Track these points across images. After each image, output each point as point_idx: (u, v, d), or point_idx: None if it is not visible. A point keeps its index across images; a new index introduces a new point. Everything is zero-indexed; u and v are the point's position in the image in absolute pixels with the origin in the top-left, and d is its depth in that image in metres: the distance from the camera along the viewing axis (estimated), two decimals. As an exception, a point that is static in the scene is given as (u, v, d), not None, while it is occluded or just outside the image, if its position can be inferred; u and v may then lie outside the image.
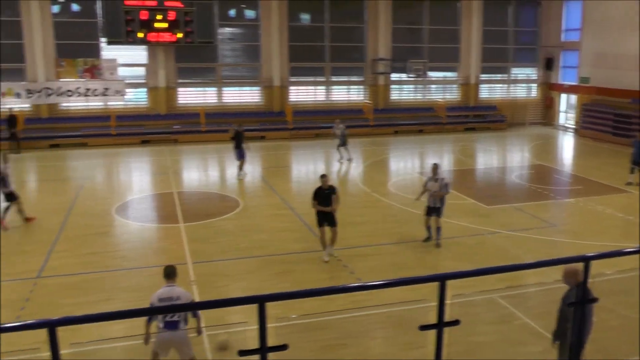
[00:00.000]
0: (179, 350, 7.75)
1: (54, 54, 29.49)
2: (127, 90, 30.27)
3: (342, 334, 9.39)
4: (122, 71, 30.26)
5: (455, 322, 4.15)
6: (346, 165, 23.62)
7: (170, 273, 7.91)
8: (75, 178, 22.59)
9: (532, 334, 9.47)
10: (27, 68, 29.38)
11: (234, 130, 21.88)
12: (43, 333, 3.92)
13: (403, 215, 16.46)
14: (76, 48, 29.84)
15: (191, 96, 32.05)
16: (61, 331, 3.77)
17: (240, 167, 21.50)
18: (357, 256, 13.09)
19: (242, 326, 8.52)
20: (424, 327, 4.13)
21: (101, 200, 18.63)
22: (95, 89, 29.60)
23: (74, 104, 30.15)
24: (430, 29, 34.67)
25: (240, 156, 21.44)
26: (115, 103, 30.41)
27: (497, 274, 4.79)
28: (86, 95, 29.66)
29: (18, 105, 28.93)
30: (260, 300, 3.91)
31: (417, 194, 14.69)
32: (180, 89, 31.68)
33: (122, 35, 28.91)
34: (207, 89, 32.37)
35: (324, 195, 12.80)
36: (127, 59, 30.52)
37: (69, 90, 29.44)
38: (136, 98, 31.56)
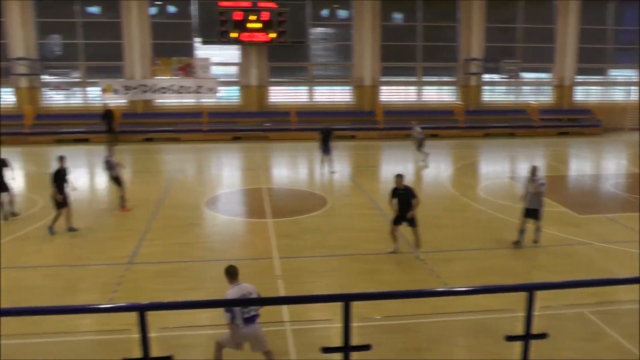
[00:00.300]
0: (254, 343, 7.81)
1: (150, 53, 30.79)
2: (220, 88, 31.12)
3: (424, 338, 9.20)
4: (215, 70, 31.12)
5: (543, 335, 3.96)
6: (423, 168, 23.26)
7: (234, 272, 7.96)
8: (167, 171, 23.44)
9: (623, 353, 8.97)
10: (125, 66, 30.89)
11: (322, 129, 22.14)
12: (133, 316, 4.06)
13: (491, 220, 16.01)
14: (171, 47, 31.01)
15: (282, 95, 32.49)
16: (149, 315, 3.90)
17: (329, 164, 21.71)
18: (443, 260, 12.82)
19: (326, 323, 8.59)
20: (511, 338, 3.98)
21: (192, 193, 19.18)
22: (189, 87, 30.58)
23: (168, 101, 31.39)
24: (524, 28, 33.57)
25: (327, 153, 21.70)
26: (207, 100, 31.31)
27: (588, 287, 4.57)
28: (179, 93, 30.71)
29: (115, 100, 30.44)
30: (346, 299, 3.88)
31: (520, 196, 14.31)
32: (272, 88, 32.18)
33: (216, 36, 29.73)
34: (298, 87, 32.73)
35: (399, 195, 12.84)
36: (220, 58, 31.36)
37: (163, 88, 30.60)
38: (228, 96, 32.34)
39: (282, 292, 10.88)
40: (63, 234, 14.62)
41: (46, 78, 31.09)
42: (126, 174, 18.65)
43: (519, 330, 3.87)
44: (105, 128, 28.89)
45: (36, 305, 10.34)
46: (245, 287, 7.78)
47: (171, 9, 31.50)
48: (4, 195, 15.96)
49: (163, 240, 14.14)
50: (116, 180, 17.16)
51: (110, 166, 17.17)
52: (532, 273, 12.23)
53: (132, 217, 16.28)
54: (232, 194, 19.48)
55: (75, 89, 31.52)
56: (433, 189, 20.32)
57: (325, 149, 21.79)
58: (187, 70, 30.68)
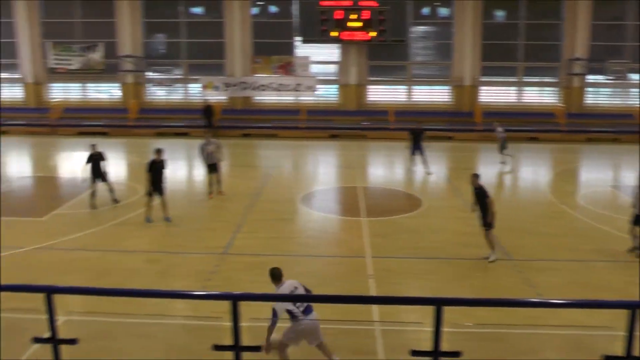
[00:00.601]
0: (311, 336, 7.96)
1: (251, 52, 31.55)
2: (319, 86, 31.35)
3: (515, 349, 8.86)
4: (314, 68, 31.42)
5: (644, 358, 3.69)
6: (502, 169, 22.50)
7: (278, 274, 8.27)
8: (264, 166, 23.91)
9: None
10: (226, 64, 31.87)
11: (412, 128, 22.07)
12: (225, 304, 4.11)
13: (591, 230, 15.19)
14: (271, 46, 31.60)
15: (381, 94, 32.35)
16: (241, 305, 3.92)
17: (424, 165, 21.47)
18: (538, 269, 12.26)
19: (416, 326, 8.42)
20: (610, 359, 3.71)
21: (287, 188, 19.46)
22: (288, 85, 31.03)
23: (267, 98, 32.01)
24: (635, 26, 30.89)
25: (418, 152, 21.51)
26: (306, 98, 31.65)
27: None
28: (278, 90, 31.23)
29: (216, 97, 31.49)
30: (438, 303, 3.78)
31: (630, 204, 13.54)
32: (370, 87, 32.11)
33: (317, 34, 30.02)
34: (396, 87, 32.47)
35: (474, 194, 12.71)
36: (319, 56, 31.63)
37: (262, 85, 31.24)
38: (327, 94, 32.55)
39: (372, 292, 10.83)
40: (161, 222, 15.25)
41: (150, 75, 32.55)
42: (223, 167, 19.21)
43: (619, 350, 3.59)
44: (204, 123, 29.86)
45: (134, 287, 10.83)
46: (292, 283, 8.16)
47: (272, 8, 32.10)
48: (100, 185, 16.94)
49: (257, 234, 14.44)
50: (212, 167, 18.03)
51: (205, 153, 18.06)
52: (634, 289, 11.41)
53: (228, 210, 16.76)
54: (327, 191, 19.58)
55: (178, 85, 32.75)
56: (530, 193, 19.64)
57: (417, 149, 21.52)
58: (287, 68, 31.16)
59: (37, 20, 32.35)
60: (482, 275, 11.94)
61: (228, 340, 4.32)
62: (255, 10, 31.81)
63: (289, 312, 7.83)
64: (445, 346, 3.78)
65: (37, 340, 4.60)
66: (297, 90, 31.19)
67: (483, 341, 8.97)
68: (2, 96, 33.29)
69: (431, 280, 11.75)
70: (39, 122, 31.85)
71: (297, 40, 31.45)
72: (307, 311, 7.89)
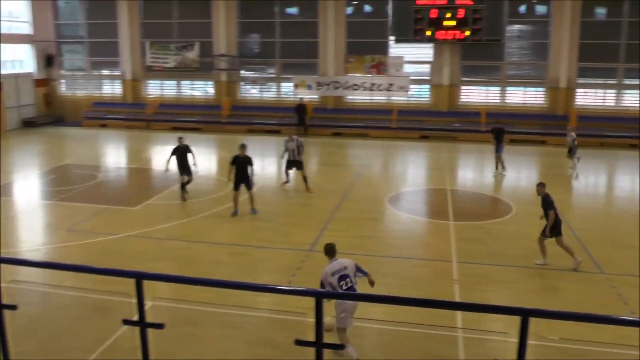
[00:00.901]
0: (351, 315, 8.33)
1: (344, 51, 31.73)
2: (411, 86, 31.16)
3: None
4: (407, 68, 31.26)
5: None
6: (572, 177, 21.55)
7: (332, 250, 8.78)
8: (353, 165, 24.04)
9: None
10: (319, 63, 32.24)
11: (493, 128, 21.96)
12: (308, 300, 4.22)
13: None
14: (365, 45, 31.66)
15: (473, 95, 31.75)
16: (325, 302, 4.02)
17: (501, 164, 21.41)
18: (632, 285, 11.52)
19: (500, 336, 8.29)
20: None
21: (375, 188, 19.51)
22: (380, 84, 31.03)
23: (359, 97, 32.12)
24: None
25: (498, 152, 21.41)
26: (398, 98, 31.54)
27: None
28: (371, 90, 31.30)
29: (308, 95, 32.01)
30: (524, 314, 3.73)
31: None
32: (463, 87, 31.59)
33: (410, 34, 29.83)
34: (489, 88, 31.76)
35: (541, 203, 12.69)
36: (412, 56, 31.41)
37: (355, 85, 31.41)
38: (419, 94, 32.31)
39: (457, 297, 10.73)
40: (249, 217, 15.77)
41: (244, 73, 33.39)
42: (313, 165, 19.49)
43: None
44: (297, 121, 30.44)
45: (219, 278, 11.18)
46: (341, 262, 8.58)
47: (367, 8, 32.15)
48: (185, 177, 17.72)
49: (344, 232, 14.58)
50: (292, 163, 18.63)
51: (287, 149, 18.69)
52: None
53: (316, 207, 17.02)
54: (415, 193, 19.49)
55: (270, 84, 33.39)
56: (624, 204, 18.64)
57: (498, 148, 21.38)
58: (380, 68, 31.17)
59: (137, 21, 34.11)
60: (571, 288, 11.54)
61: (310, 337, 4.42)
62: (349, 10, 31.97)
63: (333, 289, 8.22)
64: (529, 358, 3.74)
65: (126, 322, 4.83)
66: (389, 90, 31.14)
67: (569, 356, 8.70)
68: (103, 92, 35.69)
69: (517, 289, 11.50)
70: (136, 117, 33.61)
71: (391, 39, 31.35)
72: (349, 290, 8.32)
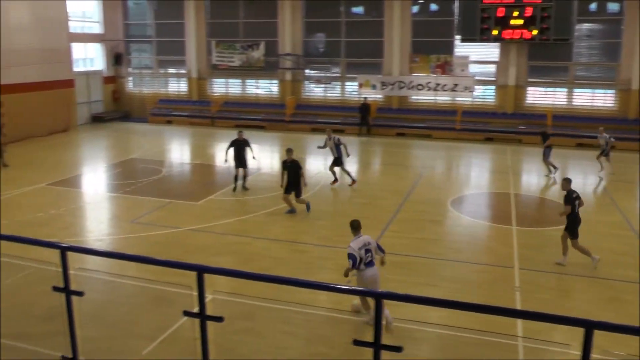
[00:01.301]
0: (371, 286, 9.23)
1: (409, 50, 31.46)
2: (476, 87, 30.66)
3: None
4: (472, 68, 30.78)
5: None
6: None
7: (358, 226, 9.79)
8: (416, 166, 23.82)
9: None
10: (384, 63, 32.07)
11: (542, 132, 21.90)
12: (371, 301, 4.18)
13: None
14: (430, 45, 31.32)
15: (540, 96, 30.93)
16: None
17: (549, 168, 21.28)
18: None
19: (562, 347, 8.04)
20: None
21: (437, 190, 19.27)
22: (445, 85, 30.65)
23: (423, 98, 31.80)
24: None
25: (546, 156, 21.32)
26: (462, 99, 31.08)
27: None
28: (435, 90, 30.96)
29: (372, 95, 31.93)
30: (589, 326, 3.61)
31: None
32: (529, 88, 30.83)
33: (477, 33, 29.32)
34: (557, 89, 30.84)
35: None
36: (478, 56, 30.90)
37: (419, 85, 31.15)
38: (484, 95, 31.75)
39: (518, 305, 10.48)
40: (309, 214, 15.94)
41: (308, 72, 33.53)
42: (376, 165, 19.43)
43: None
44: (360, 120, 30.44)
45: (278, 275, 11.25)
46: (365, 238, 9.52)
47: (433, 7, 31.81)
48: (241, 171, 18.31)
49: (405, 233, 14.49)
50: (334, 161, 19.05)
51: (329, 148, 19.24)
52: None
53: (378, 207, 16.97)
54: (478, 196, 19.16)
55: (334, 83, 33.36)
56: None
57: (545, 152, 21.33)
58: (445, 67, 30.78)
59: (203, 21, 34.87)
60: (637, 301, 11.05)
61: (368, 337, 4.39)
62: (415, 9, 31.69)
63: (355, 262, 9.18)
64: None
65: (187, 313, 4.92)
66: (454, 91, 30.73)
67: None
68: (169, 89, 36.66)
69: (581, 300, 11.14)
70: (200, 114, 34.43)
71: (456, 38, 30.90)
72: (369, 264, 9.34)
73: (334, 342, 8.84)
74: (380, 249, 9.72)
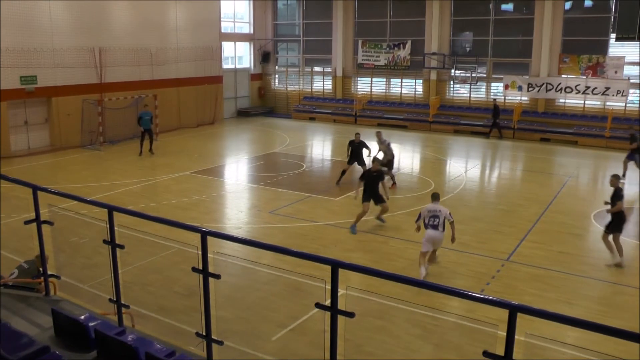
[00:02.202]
0: (433, 243, 11.65)
1: (559, 50, 29.94)
2: (631, 91, 28.59)
3: None
4: (626, 70, 28.63)
5: None
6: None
7: (437, 197, 12.10)
8: (559, 174, 22.66)
9: None
10: (531, 63, 30.72)
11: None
12: (501, 312, 4.11)
13: None
14: (582, 44, 29.60)
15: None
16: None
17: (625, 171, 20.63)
18: None
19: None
20: None
21: (581, 201, 18.31)
22: (595, 87, 28.90)
23: (571, 101, 30.20)
24: None
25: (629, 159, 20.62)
26: (614, 104, 29.09)
27: None
28: (584, 93, 29.27)
29: (517, 97, 30.81)
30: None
31: None
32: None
33: (634, 32, 27.21)
34: None
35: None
36: (634, 56, 28.68)
37: (568, 87, 29.57)
38: (638, 100, 29.54)
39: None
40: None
41: (454, 72, 32.81)
42: (517, 171, 18.78)
43: None
44: (490, 122, 30.01)
45: (412, 277, 11.18)
46: (436, 207, 11.77)
47: (587, 3, 30.02)
48: (354, 167, 19.25)
49: (543, 245, 13.90)
50: (385, 163, 18.68)
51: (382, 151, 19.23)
52: None
53: (517, 215, 16.42)
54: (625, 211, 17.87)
55: (480, 83, 32.52)
56: None
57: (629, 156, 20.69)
58: (597, 69, 28.97)
59: (351, 20, 35.44)
60: None
61: (500, 350, 4.28)
62: (567, 6, 30.04)
63: (423, 220, 11.66)
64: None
65: (319, 306, 5.02)
66: (605, 94, 28.88)
67: None
68: (313, 87, 37.66)
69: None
70: (343, 112, 35.03)
71: (611, 37, 28.90)
72: (433, 227, 11.49)
73: (464, 350, 8.68)
74: (452, 218, 11.74)
